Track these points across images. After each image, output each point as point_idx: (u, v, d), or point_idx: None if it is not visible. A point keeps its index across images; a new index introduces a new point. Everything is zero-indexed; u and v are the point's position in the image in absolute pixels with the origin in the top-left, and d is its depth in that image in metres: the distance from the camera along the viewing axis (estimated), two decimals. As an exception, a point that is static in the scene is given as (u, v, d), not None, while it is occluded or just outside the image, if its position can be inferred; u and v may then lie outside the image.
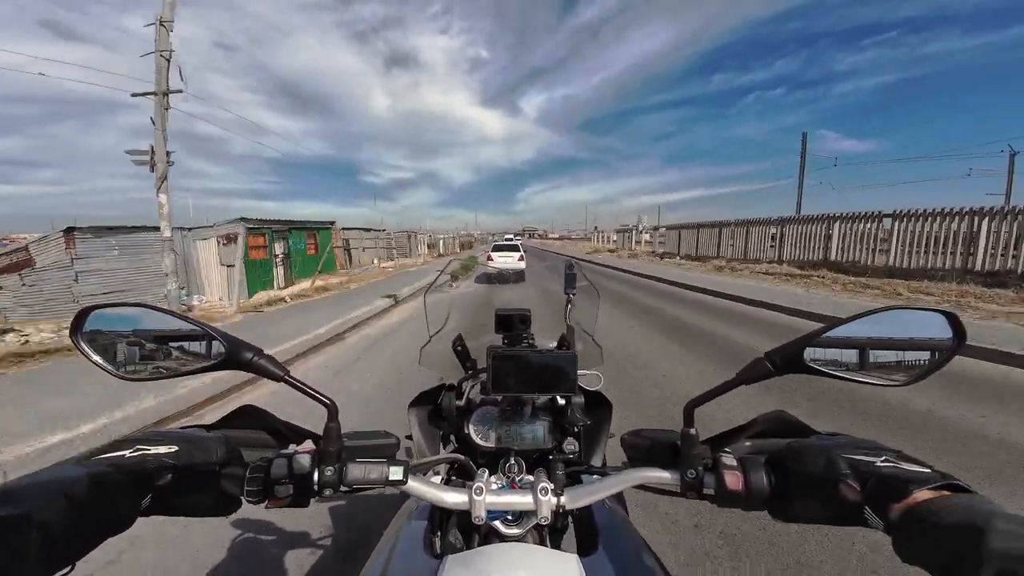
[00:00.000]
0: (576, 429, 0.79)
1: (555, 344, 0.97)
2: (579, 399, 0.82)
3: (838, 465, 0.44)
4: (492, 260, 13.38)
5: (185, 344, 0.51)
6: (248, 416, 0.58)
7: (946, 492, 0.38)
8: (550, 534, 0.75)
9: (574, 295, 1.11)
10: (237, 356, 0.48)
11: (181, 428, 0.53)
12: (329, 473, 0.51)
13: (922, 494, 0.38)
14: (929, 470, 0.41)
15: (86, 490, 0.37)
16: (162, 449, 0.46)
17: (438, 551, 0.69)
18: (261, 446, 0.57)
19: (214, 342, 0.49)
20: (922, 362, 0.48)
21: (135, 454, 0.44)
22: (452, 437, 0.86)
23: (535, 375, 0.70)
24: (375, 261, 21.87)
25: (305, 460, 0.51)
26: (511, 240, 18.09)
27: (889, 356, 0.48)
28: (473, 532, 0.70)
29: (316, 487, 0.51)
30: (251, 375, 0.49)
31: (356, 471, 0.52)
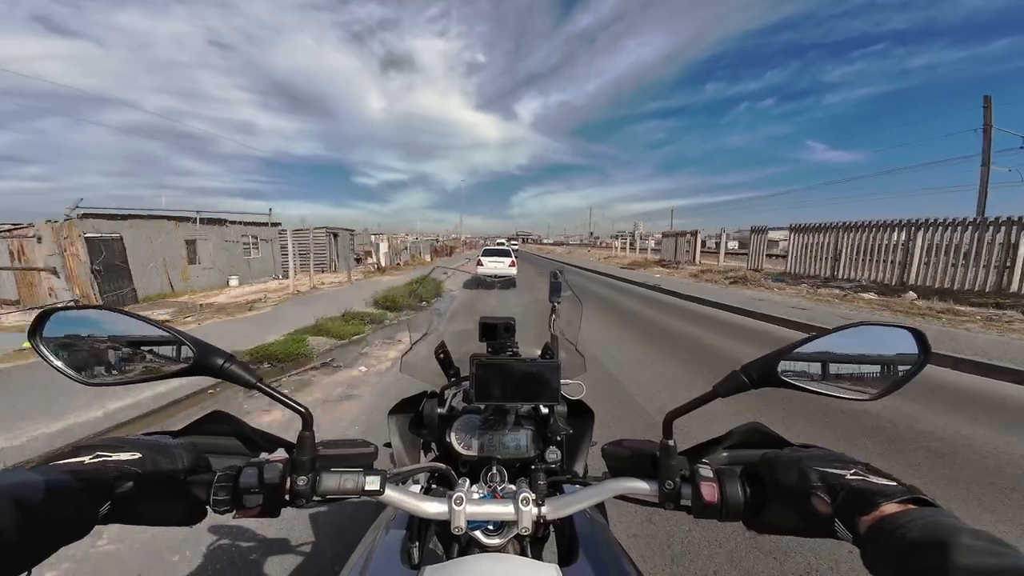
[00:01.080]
0: (559, 438, 0.79)
1: (539, 353, 0.97)
2: (562, 408, 0.82)
3: (810, 478, 0.45)
4: (482, 265, 13.14)
5: (152, 348, 0.49)
6: (218, 422, 0.56)
7: (911, 506, 0.39)
8: (531, 544, 0.74)
9: (559, 304, 1.11)
10: (206, 361, 0.47)
11: (146, 434, 0.51)
12: (302, 483, 0.50)
13: (888, 508, 0.39)
14: (895, 483, 0.42)
15: (41, 497, 0.37)
16: (124, 456, 0.44)
17: (416, 561, 0.68)
18: (232, 453, 0.55)
19: (182, 347, 0.48)
20: (890, 377, 0.49)
21: (94, 460, 0.43)
22: (433, 445, 0.85)
23: (518, 384, 0.70)
24: (230, 282, 12.86)
25: (276, 469, 0.49)
26: (502, 245, 17.95)
27: (858, 370, 0.50)
28: (453, 542, 0.69)
29: (288, 497, 0.50)
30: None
31: (330, 481, 0.51)
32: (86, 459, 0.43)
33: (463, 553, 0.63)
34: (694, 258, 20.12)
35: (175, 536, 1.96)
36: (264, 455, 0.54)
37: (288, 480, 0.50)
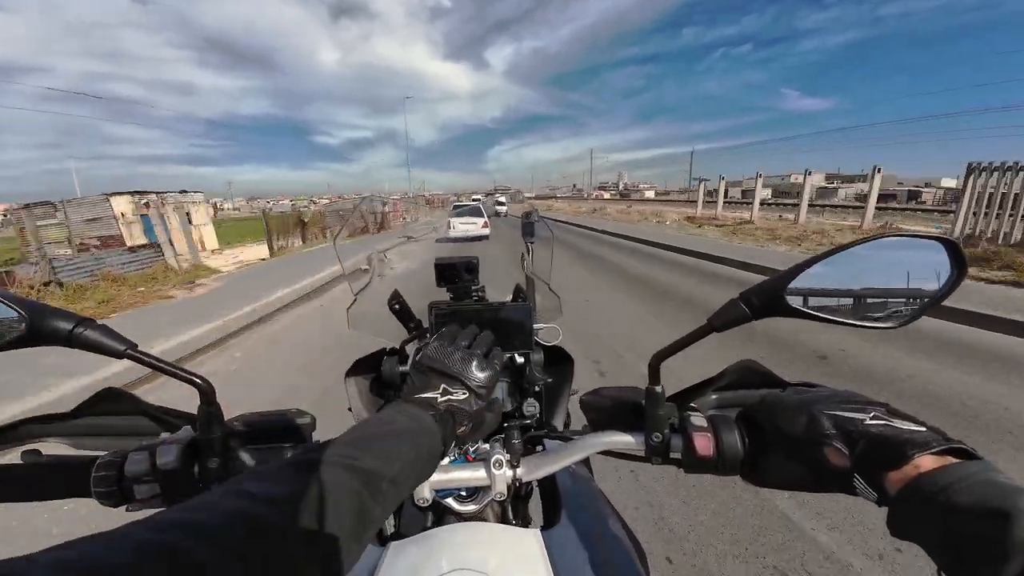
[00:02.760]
0: (536, 389, 0.74)
1: (510, 297, 0.89)
2: (538, 356, 0.75)
3: (821, 424, 0.38)
4: (453, 228, 12.37)
5: None
6: (114, 400, 0.48)
7: (950, 458, 0.33)
8: (513, 503, 0.70)
9: (533, 244, 1.02)
10: (45, 327, 0.36)
11: (31, 417, 0.45)
12: (213, 465, 0.43)
13: (923, 461, 0.32)
14: (924, 429, 0.35)
15: None
16: None
17: (387, 533, 0.64)
18: (133, 434, 0.48)
19: (8, 312, 0.36)
20: (915, 298, 0.41)
21: None
22: None
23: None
24: None
25: (171, 452, 0.41)
26: (478, 201, 17.35)
27: (880, 292, 0.42)
28: (427, 511, 0.64)
29: (200, 484, 0.43)
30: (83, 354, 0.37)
31: (250, 460, 0.45)
32: None
33: (439, 523, 0.59)
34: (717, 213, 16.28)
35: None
36: (164, 435, 0.45)
37: (194, 464, 0.42)
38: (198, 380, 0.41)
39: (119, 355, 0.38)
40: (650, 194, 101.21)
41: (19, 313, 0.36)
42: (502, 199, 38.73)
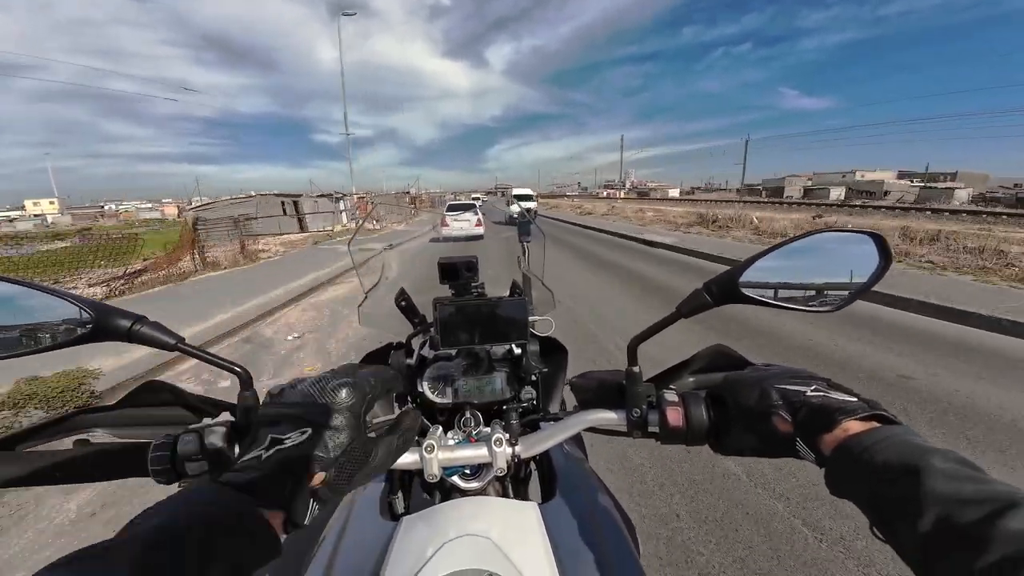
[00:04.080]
0: (533, 377, 0.79)
1: (507, 293, 0.95)
2: (534, 346, 0.81)
3: (771, 396, 0.44)
4: (447, 226, 12.27)
5: (43, 316, 0.43)
6: (157, 392, 0.53)
7: (875, 423, 0.38)
8: (514, 483, 0.76)
9: (529, 242, 1.08)
10: (110, 325, 0.42)
11: (79, 409, 0.49)
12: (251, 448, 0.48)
13: (851, 425, 0.37)
14: (855, 399, 0.40)
15: None
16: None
17: (400, 511, 0.69)
18: (175, 423, 0.52)
19: (80, 312, 0.42)
20: (849, 285, 0.48)
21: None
22: (408, 397, 0.84)
23: (485, 325, 0.68)
24: None
25: (217, 433, 0.47)
26: (478, 200, 16.92)
27: (819, 281, 0.48)
28: (435, 490, 0.70)
29: (240, 459, 0.48)
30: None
31: None
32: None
33: (445, 499, 0.64)
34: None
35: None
36: (207, 420, 0.51)
37: (236, 445, 0.48)
38: (238, 369, 0.46)
39: (170, 348, 0.43)
40: (673, 192, 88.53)
41: (87, 312, 0.42)
42: (526, 191, 27.22)
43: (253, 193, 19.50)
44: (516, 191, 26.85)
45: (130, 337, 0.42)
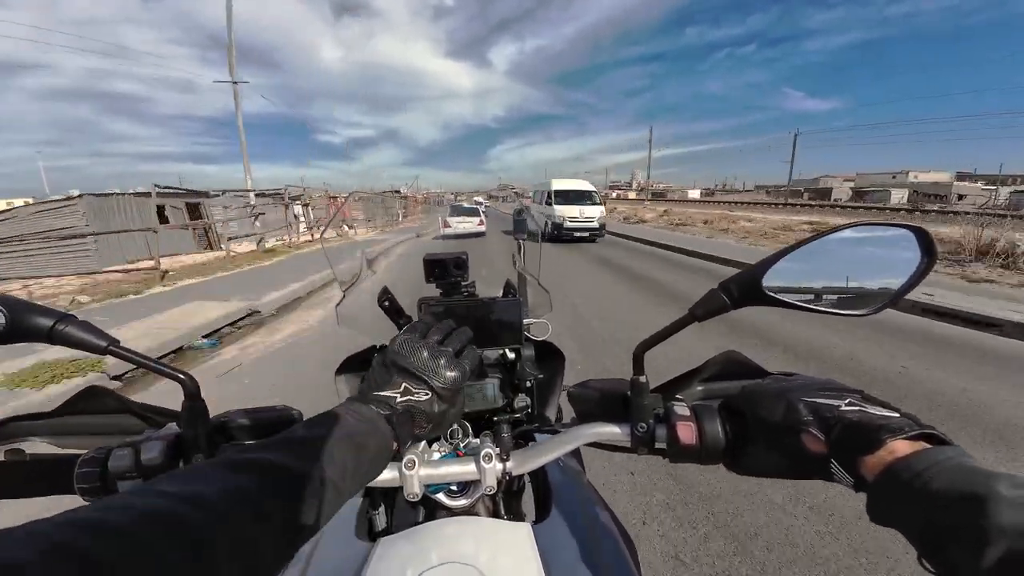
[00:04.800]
0: (528, 384, 0.74)
1: (500, 293, 0.90)
2: (529, 351, 0.76)
3: (799, 411, 0.39)
4: (449, 226, 12.23)
5: None
6: (98, 398, 0.48)
7: (924, 444, 0.33)
8: (505, 498, 0.70)
9: (524, 240, 1.03)
10: (26, 325, 0.37)
11: (14, 416, 0.44)
12: (198, 461, 0.42)
13: (897, 446, 0.33)
14: (898, 414, 0.36)
15: None
16: None
17: (380, 528, 0.64)
18: (117, 432, 0.48)
19: None
20: (887, 285, 0.43)
21: None
22: None
23: (476, 328, 0.62)
24: None
25: (156, 448, 0.41)
26: (480, 205, 16.55)
27: (851, 281, 0.43)
28: (419, 506, 0.64)
29: None
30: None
31: None
32: None
33: (430, 518, 0.59)
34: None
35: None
36: (148, 432, 0.45)
37: (179, 461, 0.42)
38: (181, 376, 0.41)
39: (101, 352, 0.38)
40: (693, 193, 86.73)
41: (2, 312, 0.36)
42: (581, 185, 14.20)
43: (75, 193, 10.89)
44: (562, 185, 14.14)
45: (51, 338, 0.37)
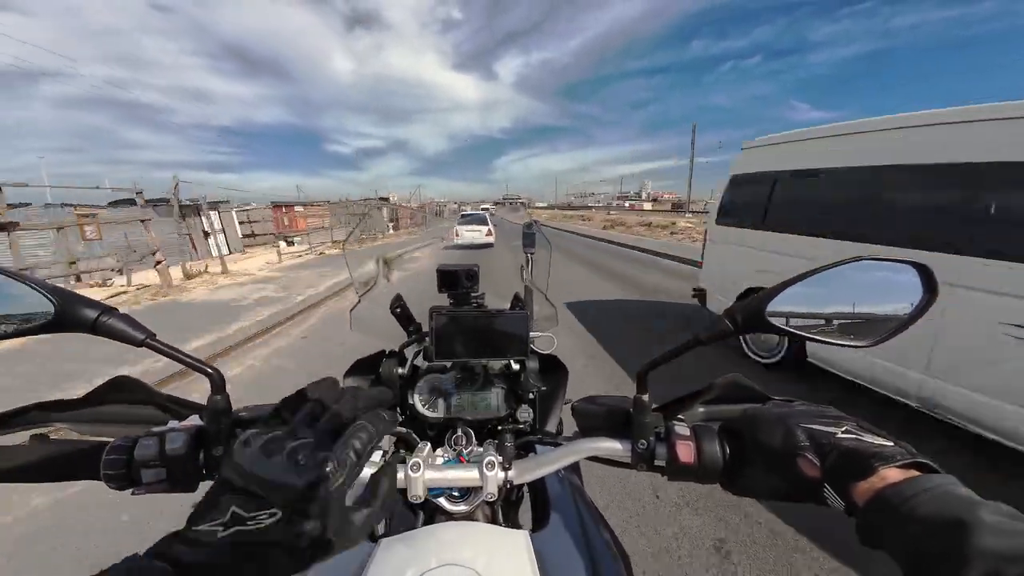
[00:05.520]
0: (531, 396, 0.75)
1: (508, 306, 0.92)
2: (533, 364, 0.77)
3: (796, 436, 0.40)
4: (459, 235, 12.94)
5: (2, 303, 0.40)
6: (124, 390, 0.50)
7: (915, 471, 0.35)
8: (504, 506, 0.71)
9: (533, 254, 1.05)
10: (72, 315, 0.39)
11: (41, 403, 0.46)
12: (218, 453, 0.44)
13: (889, 473, 0.34)
14: (891, 443, 0.37)
15: None
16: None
17: (379, 532, 0.65)
18: (141, 422, 0.49)
19: (39, 297, 0.39)
20: (889, 318, 0.44)
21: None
22: (397, 409, 0.80)
23: (483, 338, 0.65)
24: None
25: (180, 439, 0.43)
26: (487, 210, 17.15)
27: (855, 312, 0.44)
28: (419, 510, 0.66)
29: (205, 471, 0.45)
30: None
31: None
32: None
33: (429, 522, 0.60)
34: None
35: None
36: (172, 423, 0.47)
37: (200, 453, 0.44)
38: (210, 370, 0.43)
39: (138, 343, 0.40)
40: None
41: (48, 299, 0.38)
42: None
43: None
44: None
45: (95, 329, 0.39)
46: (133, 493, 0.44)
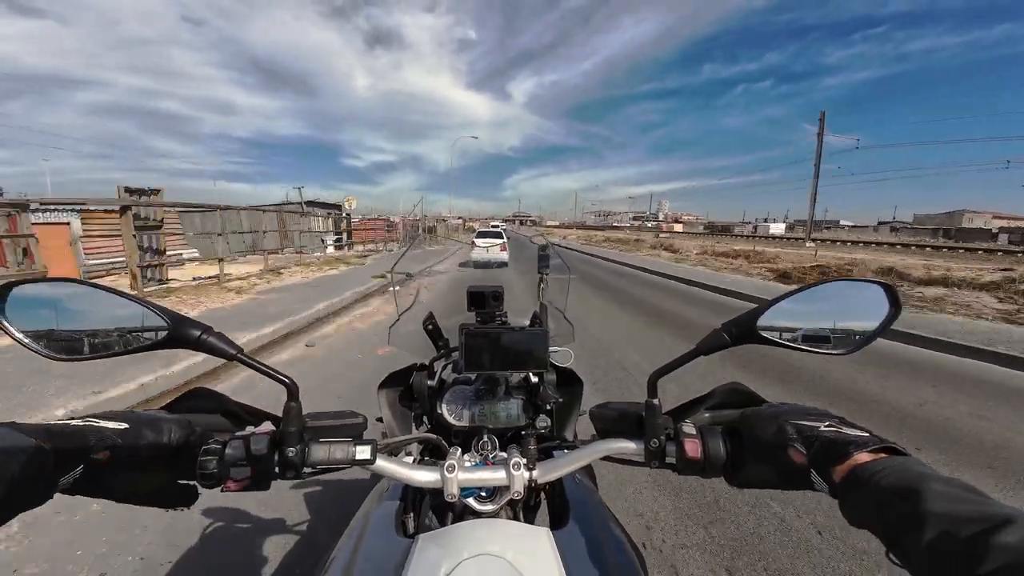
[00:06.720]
0: (549, 406, 0.80)
1: (528, 323, 0.98)
2: (551, 376, 0.83)
3: (786, 431, 0.46)
4: (475, 248, 14.23)
5: (124, 321, 0.47)
6: (202, 399, 0.56)
7: (883, 454, 0.40)
8: (523, 511, 0.76)
9: (547, 275, 1.12)
10: (182, 333, 0.46)
11: (130, 410, 0.51)
12: (291, 454, 0.50)
13: (861, 456, 0.40)
14: (868, 434, 0.43)
15: None
16: (108, 424, 0.43)
17: (411, 531, 0.70)
18: (218, 430, 0.55)
19: (155, 319, 0.46)
20: (861, 331, 0.51)
21: (72, 425, 0.41)
22: (425, 418, 0.85)
23: (507, 352, 0.70)
24: None
25: (263, 441, 0.49)
26: (498, 227, 18.03)
27: (831, 326, 0.51)
28: (447, 511, 0.71)
29: (277, 469, 0.50)
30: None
31: (319, 451, 0.51)
32: (67, 421, 0.41)
33: (457, 521, 0.65)
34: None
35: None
36: (250, 429, 0.54)
37: (277, 453, 0.50)
38: (287, 380, 0.49)
39: (230, 358, 0.47)
40: (776, 228, 72.71)
41: (165, 321, 0.46)
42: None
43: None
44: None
45: (199, 345, 0.46)
46: (223, 490, 0.49)
